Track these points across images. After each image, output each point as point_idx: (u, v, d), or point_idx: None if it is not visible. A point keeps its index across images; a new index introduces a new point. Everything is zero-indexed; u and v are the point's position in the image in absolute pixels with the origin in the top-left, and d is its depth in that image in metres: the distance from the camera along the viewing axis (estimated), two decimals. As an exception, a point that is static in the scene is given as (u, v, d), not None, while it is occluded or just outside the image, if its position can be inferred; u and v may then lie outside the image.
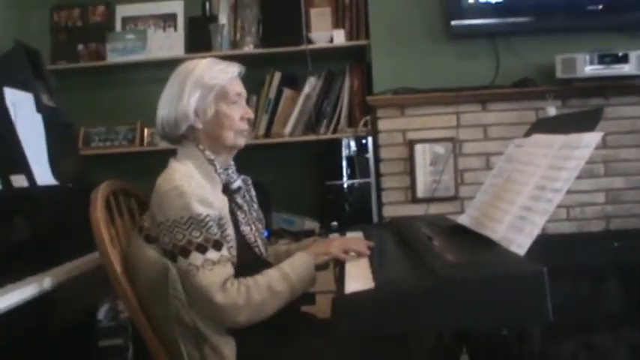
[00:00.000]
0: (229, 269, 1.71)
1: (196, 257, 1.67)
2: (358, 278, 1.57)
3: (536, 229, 1.50)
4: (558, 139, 1.66)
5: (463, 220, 1.92)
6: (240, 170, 1.98)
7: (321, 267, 1.83)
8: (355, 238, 2.02)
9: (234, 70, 1.89)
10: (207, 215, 1.71)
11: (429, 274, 1.42)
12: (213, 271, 1.67)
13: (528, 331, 3.01)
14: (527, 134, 1.99)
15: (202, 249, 1.68)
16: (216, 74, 1.85)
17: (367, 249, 1.84)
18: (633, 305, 3.22)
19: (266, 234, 2.15)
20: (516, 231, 1.54)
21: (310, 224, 3.28)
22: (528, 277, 1.37)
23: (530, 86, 3.12)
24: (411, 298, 1.38)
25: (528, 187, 1.63)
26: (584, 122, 1.68)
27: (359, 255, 1.81)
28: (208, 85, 1.83)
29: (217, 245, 1.71)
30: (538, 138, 1.87)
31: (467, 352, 2.20)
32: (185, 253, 1.68)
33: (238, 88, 1.89)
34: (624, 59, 3.03)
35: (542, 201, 1.53)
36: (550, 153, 1.65)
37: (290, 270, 1.74)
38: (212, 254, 1.69)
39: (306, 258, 1.79)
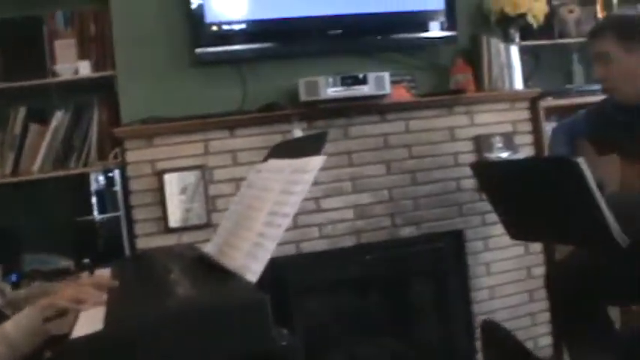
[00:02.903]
0: None
1: None
2: (88, 321, 1.60)
3: (268, 255, 1.60)
4: (289, 163, 1.81)
5: (209, 248, 2.03)
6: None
7: (52, 317, 1.78)
8: (92, 282, 1.96)
9: None
10: None
11: (158, 310, 1.47)
12: None
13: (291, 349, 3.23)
14: (265, 159, 2.17)
15: None
16: None
17: (101, 294, 1.83)
18: (390, 313, 3.51)
19: (15, 278, 2.18)
20: (252, 258, 1.64)
21: (65, 262, 3.34)
22: (251, 306, 1.46)
23: (276, 110, 3.32)
24: (138, 337, 1.41)
25: (263, 212, 1.74)
26: (312, 146, 1.86)
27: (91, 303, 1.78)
28: None
29: None
30: (273, 163, 2.03)
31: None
32: None
33: None
34: (364, 80, 3.31)
35: (274, 227, 1.64)
36: (282, 178, 1.79)
37: (11, 328, 1.72)
38: None
39: (32, 313, 1.77)
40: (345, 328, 3.49)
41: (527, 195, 2.56)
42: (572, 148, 3.02)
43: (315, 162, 1.69)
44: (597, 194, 2.28)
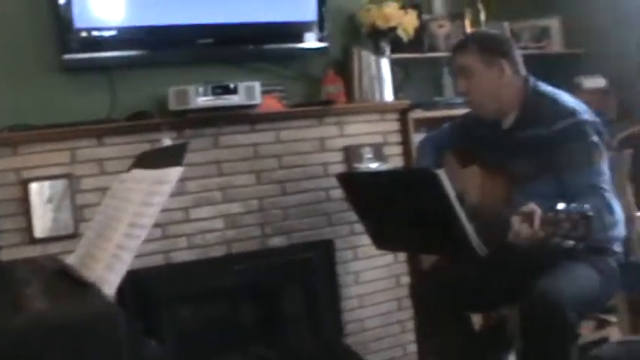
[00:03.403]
0: None
1: None
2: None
3: (125, 267, 1.64)
4: (150, 174, 1.85)
5: (71, 260, 2.01)
6: None
7: None
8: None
9: None
10: None
11: (6, 326, 1.44)
12: None
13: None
14: (129, 169, 2.18)
15: None
16: None
17: None
18: (261, 323, 3.58)
19: None
20: (110, 270, 1.67)
21: None
22: (104, 320, 1.47)
23: (145, 119, 3.34)
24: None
25: (123, 224, 1.77)
26: (173, 156, 1.89)
27: None
28: None
29: None
30: (136, 173, 2.06)
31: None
32: None
33: None
34: (234, 90, 3.37)
35: (132, 238, 1.67)
36: (143, 189, 1.82)
37: None
38: None
39: None
40: (216, 339, 3.53)
41: (391, 206, 2.68)
42: (438, 159, 3.17)
43: (174, 173, 1.75)
44: (456, 205, 2.41)
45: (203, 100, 3.33)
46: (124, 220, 1.76)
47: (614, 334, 3.08)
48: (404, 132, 3.88)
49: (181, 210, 3.37)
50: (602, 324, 3.26)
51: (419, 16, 4.14)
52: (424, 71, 4.53)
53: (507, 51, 2.85)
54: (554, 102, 2.77)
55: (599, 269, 2.67)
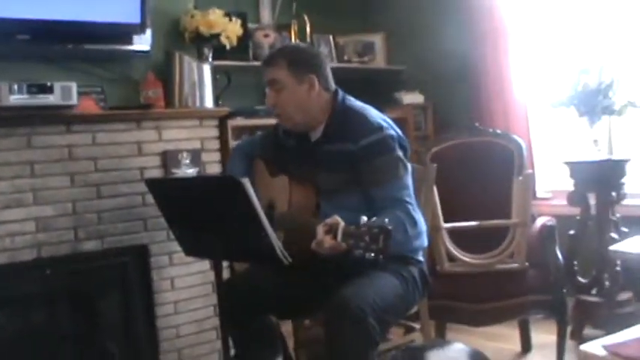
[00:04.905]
0: None
1: None
2: None
3: None
4: None
5: None
6: None
7: None
8: None
9: None
10: None
11: None
12: None
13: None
14: None
15: None
16: None
17: None
18: (74, 328, 3.55)
19: None
20: None
21: None
22: None
23: (-47, 115, 3.25)
24: None
25: None
26: None
27: None
28: None
29: None
30: None
31: None
32: None
33: None
34: (50, 90, 3.33)
35: None
36: None
37: None
38: None
39: None
40: (27, 345, 3.46)
41: (198, 213, 2.76)
42: (249, 167, 3.25)
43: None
44: (261, 214, 2.51)
45: (17, 98, 3.28)
46: None
47: (419, 339, 3.24)
48: (222, 139, 3.97)
49: (-10, 211, 3.30)
50: (410, 330, 3.42)
51: (244, 24, 4.24)
52: (248, 79, 4.63)
53: (318, 66, 2.95)
54: (362, 117, 2.90)
55: (402, 277, 2.83)
